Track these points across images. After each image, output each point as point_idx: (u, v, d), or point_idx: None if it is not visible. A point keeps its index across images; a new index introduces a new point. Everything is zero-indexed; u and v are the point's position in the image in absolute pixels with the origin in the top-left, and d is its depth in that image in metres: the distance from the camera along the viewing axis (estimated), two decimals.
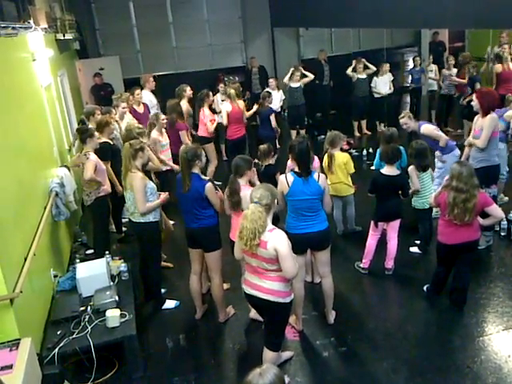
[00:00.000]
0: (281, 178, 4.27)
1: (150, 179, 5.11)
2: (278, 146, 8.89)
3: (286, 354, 4.13)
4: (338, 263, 5.17)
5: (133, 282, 4.86)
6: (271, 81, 9.88)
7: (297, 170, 4.21)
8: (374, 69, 10.25)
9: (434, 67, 10.36)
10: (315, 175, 4.16)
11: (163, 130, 6.67)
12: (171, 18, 12.10)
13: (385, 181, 5.08)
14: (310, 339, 4.40)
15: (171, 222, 6.09)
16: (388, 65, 10.25)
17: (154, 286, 5.01)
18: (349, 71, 10.27)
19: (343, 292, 5.01)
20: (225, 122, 7.96)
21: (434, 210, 5.67)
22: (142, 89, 8.37)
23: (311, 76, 10.03)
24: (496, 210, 4.38)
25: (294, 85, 9.78)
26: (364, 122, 10.76)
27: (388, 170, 5.10)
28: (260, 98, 8.55)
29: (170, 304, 5.03)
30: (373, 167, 6.19)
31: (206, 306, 4.90)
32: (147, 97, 8.47)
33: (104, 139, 6.02)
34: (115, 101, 7.48)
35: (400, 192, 5.16)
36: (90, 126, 6.26)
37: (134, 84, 8.67)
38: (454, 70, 9.68)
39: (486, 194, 4.48)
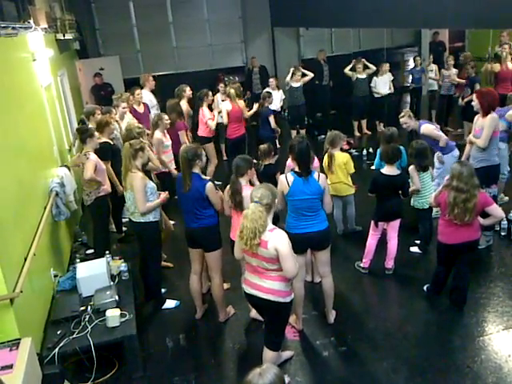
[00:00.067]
0: (281, 178, 4.27)
1: (150, 179, 5.11)
2: (278, 145, 8.90)
3: (286, 354, 4.13)
4: (338, 263, 5.18)
5: (133, 282, 4.87)
6: (271, 80, 9.89)
7: (297, 169, 4.21)
8: (374, 68, 10.25)
9: (434, 67, 10.36)
10: (315, 175, 4.17)
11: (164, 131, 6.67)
12: (171, 18, 12.11)
13: (385, 181, 5.08)
14: (310, 339, 4.40)
15: (171, 222, 6.09)
16: (388, 65, 10.25)
17: (154, 285, 5.01)
18: (347, 70, 10.28)
19: (343, 292, 5.01)
20: (225, 120, 7.98)
21: (434, 209, 5.68)
22: (141, 88, 8.37)
23: (311, 74, 10.05)
24: (496, 210, 4.38)
25: (295, 84, 9.80)
26: (364, 122, 10.76)
27: (388, 170, 5.10)
28: (260, 97, 8.56)
29: (170, 304, 5.03)
30: (373, 167, 6.20)
31: (206, 306, 4.91)
32: (147, 96, 8.47)
33: (104, 139, 6.02)
34: (115, 101, 7.48)
35: (400, 192, 5.16)
36: (90, 125, 6.26)
37: (134, 84, 8.66)
38: (454, 70, 9.68)
39: (486, 194, 4.48)
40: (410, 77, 11.10)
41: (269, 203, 3.43)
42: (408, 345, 4.23)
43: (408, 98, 11.82)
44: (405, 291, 5.08)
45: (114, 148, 6.22)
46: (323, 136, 8.75)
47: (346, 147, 7.95)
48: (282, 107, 10.40)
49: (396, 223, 5.18)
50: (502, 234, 5.78)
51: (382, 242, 5.28)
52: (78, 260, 5.07)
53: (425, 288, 4.90)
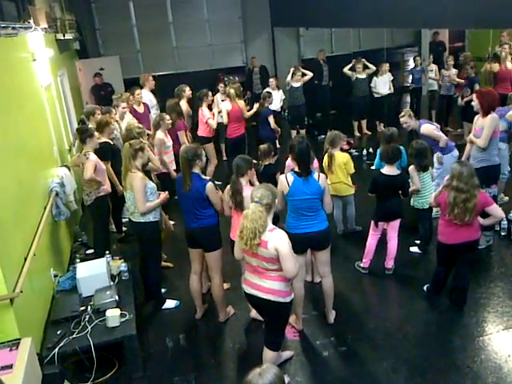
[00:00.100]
0: (281, 178, 4.27)
1: (150, 179, 5.11)
2: (278, 145, 8.91)
3: (286, 354, 4.13)
4: (338, 263, 5.18)
5: (133, 282, 4.86)
6: (271, 80, 9.89)
7: (297, 169, 4.21)
8: (374, 68, 10.26)
9: (434, 67, 10.37)
10: (315, 175, 4.17)
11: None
12: (171, 18, 12.11)
13: (385, 181, 5.08)
14: (310, 339, 4.40)
15: (171, 222, 6.09)
16: (387, 65, 10.25)
17: (154, 285, 5.01)
18: (346, 69, 10.28)
19: (343, 292, 5.01)
20: (225, 120, 7.99)
21: (434, 209, 5.68)
22: (141, 88, 8.37)
23: (310, 74, 10.07)
24: (496, 210, 4.38)
25: (295, 84, 9.81)
26: (364, 122, 10.76)
27: (388, 170, 5.10)
28: (261, 97, 8.56)
29: (170, 304, 5.03)
30: (373, 167, 6.20)
31: (206, 306, 4.91)
32: (147, 96, 8.47)
33: (104, 139, 6.02)
34: (115, 101, 7.48)
35: (400, 192, 5.16)
36: (90, 125, 6.26)
37: (134, 84, 8.66)
38: (454, 71, 9.69)
39: (486, 194, 4.48)
40: (410, 77, 11.10)
41: (269, 203, 3.43)
42: (408, 345, 4.23)
43: (408, 98, 11.83)
44: (405, 291, 5.08)
45: (114, 148, 6.22)
46: (323, 136, 8.75)
47: (345, 147, 7.95)
48: (282, 107, 10.40)
49: (396, 223, 5.18)
50: (502, 234, 5.79)
51: (382, 242, 5.28)
52: (78, 260, 5.07)
53: (425, 288, 4.90)
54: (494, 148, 5.43)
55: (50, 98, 6.61)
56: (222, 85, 9.39)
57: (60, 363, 3.75)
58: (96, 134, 5.74)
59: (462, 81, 9.29)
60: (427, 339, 4.32)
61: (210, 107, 8.24)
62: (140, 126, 6.04)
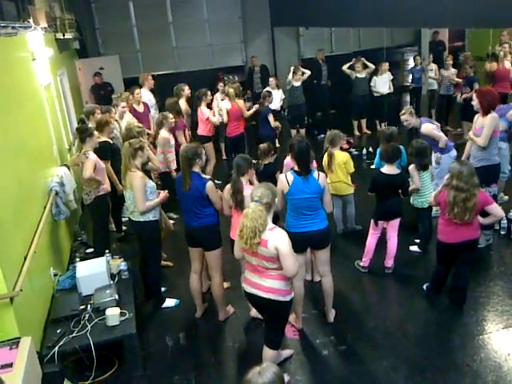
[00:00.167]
0: (281, 177, 4.27)
1: (150, 178, 5.11)
2: (277, 145, 8.92)
3: (286, 353, 4.13)
4: (337, 262, 5.18)
5: (133, 281, 4.87)
6: (271, 80, 9.90)
7: (296, 168, 4.21)
8: (373, 67, 10.25)
9: (434, 66, 10.37)
10: (315, 174, 4.17)
11: None
12: (171, 18, 12.11)
13: (385, 180, 5.08)
14: (309, 338, 4.40)
15: (171, 222, 6.10)
16: (387, 64, 10.25)
17: (154, 284, 5.01)
18: (345, 67, 10.28)
19: (343, 291, 5.01)
20: (225, 119, 8.00)
21: (434, 208, 5.68)
22: (140, 87, 8.37)
23: (308, 72, 10.08)
24: (496, 209, 4.38)
25: (296, 84, 9.82)
26: (364, 121, 10.76)
27: (388, 169, 5.10)
28: (261, 97, 8.57)
29: (170, 303, 5.03)
30: (373, 166, 6.20)
31: (206, 305, 4.91)
32: (146, 96, 8.48)
33: (104, 138, 6.02)
34: (115, 100, 7.49)
35: (400, 191, 5.16)
36: (89, 125, 6.26)
37: (133, 83, 8.67)
38: (452, 70, 9.69)
39: (486, 193, 4.49)
40: (410, 76, 11.11)
41: (269, 202, 3.43)
42: (408, 344, 4.23)
43: (408, 98, 11.83)
44: (404, 290, 5.08)
45: (114, 147, 6.22)
46: (323, 135, 8.75)
47: (345, 146, 7.95)
48: (281, 106, 10.40)
49: (396, 222, 5.18)
50: (502, 233, 5.79)
51: (382, 241, 5.28)
52: (77, 259, 5.08)
53: (424, 287, 4.91)
54: (494, 147, 5.43)
55: (50, 97, 6.61)
56: (221, 84, 9.40)
57: (60, 362, 3.75)
58: (96, 133, 5.74)
59: (460, 80, 9.30)
60: (427, 338, 4.33)
61: (209, 106, 8.25)
62: (140, 125, 6.06)
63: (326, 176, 4.67)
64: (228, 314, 4.80)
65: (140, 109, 7.99)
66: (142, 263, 5.08)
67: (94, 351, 3.86)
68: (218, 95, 9.07)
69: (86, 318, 4.16)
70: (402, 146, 5.55)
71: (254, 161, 4.75)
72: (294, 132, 9.99)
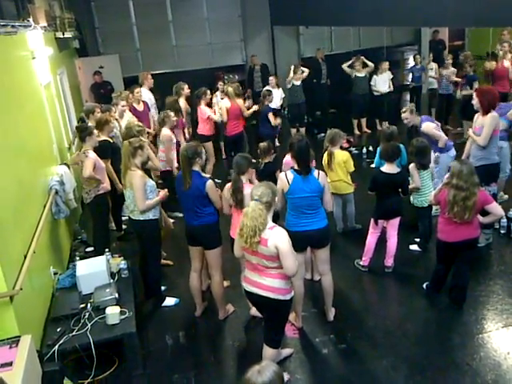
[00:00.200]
0: (281, 176, 4.27)
1: (150, 177, 5.11)
2: (277, 144, 8.91)
3: (286, 351, 4.14)
4: (337, 261, 5.18)
5: (133, 280, 4.87)
6: (271, 79, 9.89)
7: (296, 167, 4.21)
8: (373, 66, 10.25)
9: (434, 65, 10.37)
10: (315, 173, 4.17)
11: None
12: (171, 17, 12.11)
13: (385, 179, 5.08)
14: (309, 336, 4.40)
15: (172, 221, 6.10)
16: (387, 63, 10.25)
17: (154, 283, 5.01)
18: (345, 66, 10.28)
19: (343, 289, 5.01)
20: (224, 118, 8.00)
21: (434, 207, 5.68)
22: (140, 86, 8.37)
23: (307, 70, 10.08)
24: (496, 208, 4.38)
25: (296, 82, 9.83)
26: (364, 120, 10.76)
27: (388, 168, 5.10)
28: (261, 96, 8.57)
29: (169, 301, 5.03)
30: (373, 165, 6.20)
31: (205, 304, 4.91)
32: (145, 95, 8.47)
33: (104, 137, 6.02)
34: (115, 99, 7.49)
35: (400, 190, 5.16)
36: (89, 124, 6.26)
37: (133, 82, 8.67)
38: (452, 69, 9.69)
39: (485, 192, 4.48)
40: (410, 75, 11.10)
41: (269, 201, 3.43)
42: (407, 343, 4.23)
43: (408, 97, 11.83)
44: (404, 289, 5.08)
45: (114, 146, 6.22)
46: (323, 134, 8.74)
47: (345, 145, 7.93)
48: (281, 105, 10.40)
49: (396, 221, 5.18)
50: (502, 232, 5.79)
51: (382, 240, 5.28)
52: (77, 258, 5.07)
53: (424, 286, 4.91)
54: (494, 146, 5.42)
55: (50, 96, 6.61)
56: (221, 83, 9.40)
57: (60, 360, 3.75)
58: (95, 132, 5.74)
59: (459, 79, 9.30)
60: (427, 337, 4.33)
61: (209, 105, 8.25)
62: (140, 124, 6.06)
63: (326, 175, 4.67)
64: (228, 313, 4.80)
65: (140, 108, 7.99)
66: (142, 262, 5.08)
67: (94, 350, 3.86)
68: (218, 94, 9.07)
69: (86, 316, 4.16)
70: (402, 145, 5.55)
71: (253, 160, 4.75)
72: (293, 131, 9.99)
